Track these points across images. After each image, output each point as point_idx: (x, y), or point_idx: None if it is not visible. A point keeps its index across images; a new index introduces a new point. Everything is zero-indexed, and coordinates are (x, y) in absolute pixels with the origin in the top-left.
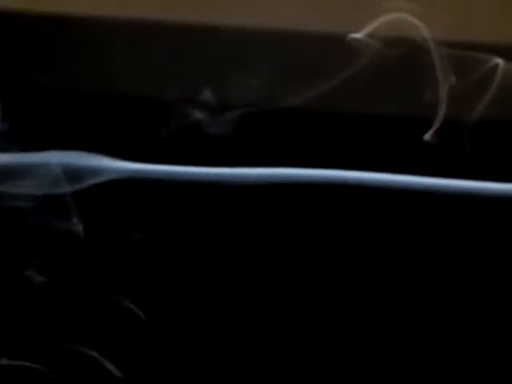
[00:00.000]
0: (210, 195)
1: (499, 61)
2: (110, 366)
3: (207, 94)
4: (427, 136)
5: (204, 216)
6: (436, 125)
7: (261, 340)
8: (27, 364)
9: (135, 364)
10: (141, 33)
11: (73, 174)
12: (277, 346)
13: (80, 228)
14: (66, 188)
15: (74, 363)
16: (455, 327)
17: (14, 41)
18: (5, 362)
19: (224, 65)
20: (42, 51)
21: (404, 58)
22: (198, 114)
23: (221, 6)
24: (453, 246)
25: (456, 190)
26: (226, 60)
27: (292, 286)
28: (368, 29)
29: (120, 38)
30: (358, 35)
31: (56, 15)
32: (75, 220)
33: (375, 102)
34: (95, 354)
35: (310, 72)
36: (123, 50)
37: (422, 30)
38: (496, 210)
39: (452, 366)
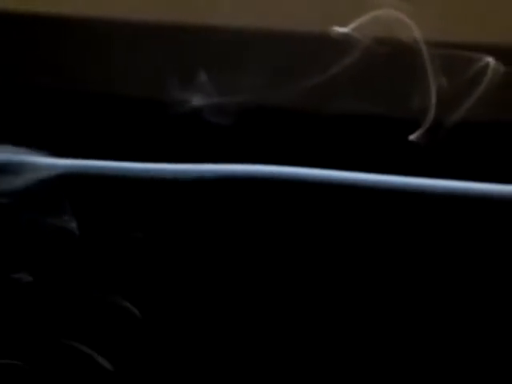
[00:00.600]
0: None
1: (490, 59)
2: (106, 364)
3: (202, 90)
4: (416, 136)
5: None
6: (426, 125)
7: (254, 338)
8: (19, 363)
9: (131, 361)
10: (140, 33)
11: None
12: (267, 342)
13: (73, 225)
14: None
15: (68, 361)
16: (439, 326)
17: (13, 41)
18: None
19: (217, 64)
20: (41, 51)
21: (393, 57)
22: (194, 111)
23: (209, 7)
24: (440, 246)
25: (444, 191)
26: (220, 59)
27: (285, 282)
28: (356, 24)
29: (120, 38)
30: (345, 30)
31: (55, 16)
32: (67, 217)
33: (364, 102)
34: (90, 352)
35: (298, 71)
36: (123, 50)
37: (411, 28)
38: (485, 211)
39: (445, 367)
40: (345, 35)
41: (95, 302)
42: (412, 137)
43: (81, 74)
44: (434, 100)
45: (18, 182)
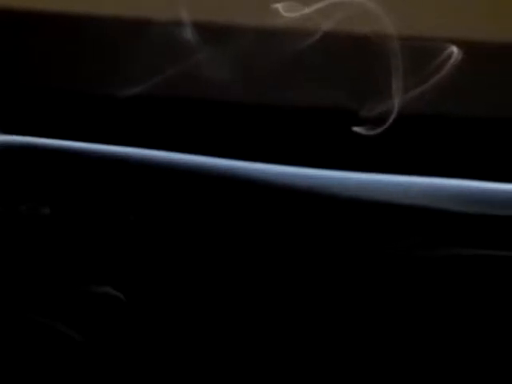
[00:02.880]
0: None
1: (454, 49)
2: (91, 349)
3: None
4: (378, 130)
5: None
6: (391, 117)
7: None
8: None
9: (117, 347)
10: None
11: None
12: (250, 328)
13: (46, 211)
14: None
15: (54, 348)
16: (432, 325)
17: (12, 41)
18: None
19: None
20: (40, 51)
21: (359, 48)
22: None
23: None
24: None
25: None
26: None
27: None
28: (317, 7)
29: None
30: (306, 12)
31: (54, 14)
32: (36, 204)
33: (323, 94)
34: (75, 336)
35: (256, 64)
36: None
37: (378, 20)
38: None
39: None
40: (305, 20)
41: (78, 289)
42: (378, 130)
43: (79, 74)
44: (399, 92)
45: None
